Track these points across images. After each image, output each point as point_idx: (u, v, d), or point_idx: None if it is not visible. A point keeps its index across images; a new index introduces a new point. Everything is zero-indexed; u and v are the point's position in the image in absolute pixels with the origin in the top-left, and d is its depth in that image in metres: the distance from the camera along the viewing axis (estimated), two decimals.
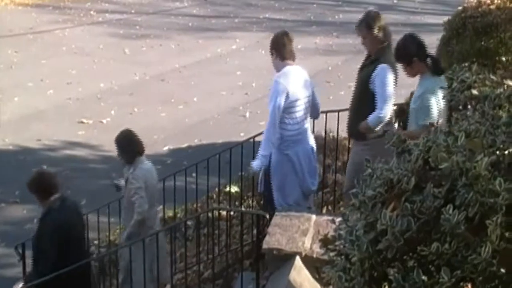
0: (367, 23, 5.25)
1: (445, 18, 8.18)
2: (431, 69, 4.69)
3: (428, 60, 4.70)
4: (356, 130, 5.28)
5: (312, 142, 5.43)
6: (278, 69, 5.32)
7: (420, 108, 4.56)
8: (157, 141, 9.21)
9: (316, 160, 5.52)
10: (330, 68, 12.15)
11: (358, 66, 12.98)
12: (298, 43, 13.66)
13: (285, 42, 5.33)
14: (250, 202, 6.37)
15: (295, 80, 5.22)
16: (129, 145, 5.50)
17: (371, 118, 5.14)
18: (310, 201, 5.30)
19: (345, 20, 16.10)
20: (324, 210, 5.62)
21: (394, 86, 5.26)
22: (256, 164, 5.12)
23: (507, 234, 2.25)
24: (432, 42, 8.72)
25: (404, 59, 4.78)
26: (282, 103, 5.11)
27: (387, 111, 5.13)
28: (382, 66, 5.11)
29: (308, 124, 5.39)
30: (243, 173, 5.70)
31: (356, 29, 5.40)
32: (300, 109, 5.22)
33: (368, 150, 5.07)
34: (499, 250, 2.13)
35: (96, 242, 6.61)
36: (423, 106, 4.52)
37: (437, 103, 4.54)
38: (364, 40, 5.33)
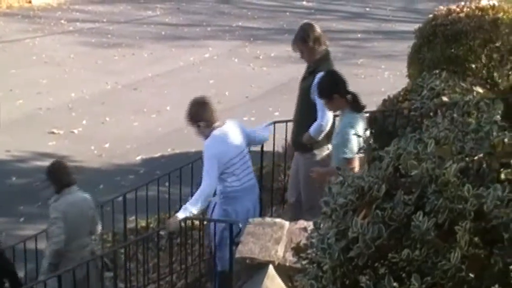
0: (301, 37, 5.32)
1: (416, 26, 8.26)
2: (351, 106, 4.73)
3: (349, 96, 4.77)
4: (300, 142, 5.29)
5: (254, 198, 5.38)
6: (207, 136, 5.19)
7: (340, 143, 4.65)
8: (130, 151, 9.14)
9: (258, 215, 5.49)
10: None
11: None
12: (271, 51, 13.84)
13: (206, 109, 5.22)
14: None
15: (225, 141, 5.13)
16: (56, 176, 5.52)
17: (312, 128, 5.21)
18: None
19: None
20: None
21: None
22: (180, 215, 5.03)
23: (475, 239, 2.28)
24: (403, 49, 8.82)
25: (325, 95, 4.83)
26: (216, 168, 5.01)
27: (328, 119, 5.17)
28: (320, 75, 5.15)
29: (253, 180, 5.32)
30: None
31: (292, 46, 5.46)
32: (237, 166, 5.15)
33: (315, 160, 5.16)
34: (468, 255, 2.15)
35: None
36: (344, 140, 4.62)
37: (357, 137, 4.63)
38: (302, 54, 5.39)
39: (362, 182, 2.67)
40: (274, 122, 5.79)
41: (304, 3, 19.15)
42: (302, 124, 5.33)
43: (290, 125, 5.80)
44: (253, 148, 5.84)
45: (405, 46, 8.66)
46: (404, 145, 2.80)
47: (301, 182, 5.44)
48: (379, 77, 11.92)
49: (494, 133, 2.80)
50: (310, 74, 5.32)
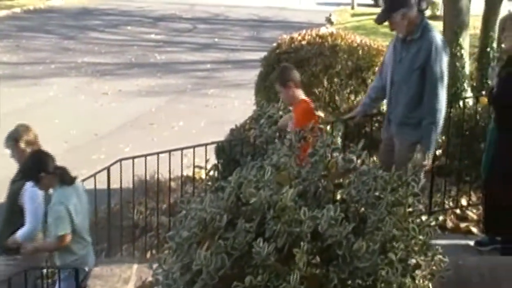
0: (14, 138, 5.22)
1: (263, 54, 8.47)
2: (61, 180, 4.84)
3: (58, 171, 4.85)
4: (4, 245, 5.09)
5: None
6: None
7: (53, 220, 4.75)
8: None
9: None
10: (153, 109, 12.08)
11: (182, 105, 12.97)
12: (120, 86, 13.57)
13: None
14: None
15: None
16: None
17: (21, 233, 5.01)
18: None
19: (167, 61, 16.20)
20: (148, 255, 5.50)
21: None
22: None
23: (315, 259, 2.34)
24: (251, 78, 9.00)
25: (32, 177, 4.87)
26: None
27: (34, 227, 5.01)
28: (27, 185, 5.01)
29: None
30: None
31: (4, 144, 5.33)
32: None
33: (16, 264, 5.01)
34: (307, 275, 2.20)
35: None
36: (56, 218, 4.73)
37: (72, 210, 4.73)
38: (12, 154, 5.27)
39: (205, 213, 2.66)
40: (121, 159, 5.64)
41: (153, 36, 19.10)
42: (9, 224, 5.12)
43: (137, 161, 5.67)
44: (99, 186, 5.65)
45: (253, 75, 8.84)
46: (245, 173, 2.83)
47: None
48: (230, 106, 12.10)
49: (329, 156, 2.91)
50: (20, 179, 5.12)
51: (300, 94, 4.92)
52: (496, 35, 8.67)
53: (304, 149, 4.45)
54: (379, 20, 4.47)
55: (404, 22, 4.26)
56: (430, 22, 4.51)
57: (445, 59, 4.32)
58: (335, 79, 7.92)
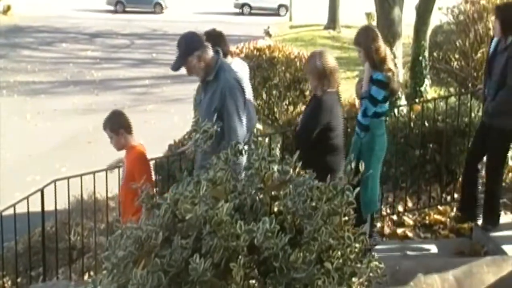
0: None
1: None
2: None
3: None
4: None
5: None
6: None
7: None
8: None
9: None
10: (91, 128, 11.87)
11: None
12: (55, 104, 13.31)
13: None
14: (2, 282, 5.85)
15: None
16: None
17: None
18: None
19: (104, 77, 16.01)
20: (86, 277, 5.37)
21: None
22: None
23: (253, 272, 2.33)
24: (191, 92, 8.99)
25: None
26: None
27: None
28: None
29: None
30: None
31: None
32: None
33: None
34: None
35: None
36: None
37: None
38: None
39: (140, 232, 2.62)
40: (55, 180, 5.49)
41: (89, 53, 18.86)
42: None
43: (72, 181, 5.54)
44: (33, 209, 5.49)
45: (192, 89, 8.82)
46: (181, 189, 2.80)
47: None
48: (169, 122, 12.04)
49: (264, 168, 2.91)
50: None
51: (131, 140, 4.71)
52: (427, 44, 8.94)
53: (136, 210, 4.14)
54: (175, 67, 4.25)
55: (201, 65, 4.17)
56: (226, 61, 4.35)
57: (240, 98, 4.19)
58: (274, 91, 8.00)
